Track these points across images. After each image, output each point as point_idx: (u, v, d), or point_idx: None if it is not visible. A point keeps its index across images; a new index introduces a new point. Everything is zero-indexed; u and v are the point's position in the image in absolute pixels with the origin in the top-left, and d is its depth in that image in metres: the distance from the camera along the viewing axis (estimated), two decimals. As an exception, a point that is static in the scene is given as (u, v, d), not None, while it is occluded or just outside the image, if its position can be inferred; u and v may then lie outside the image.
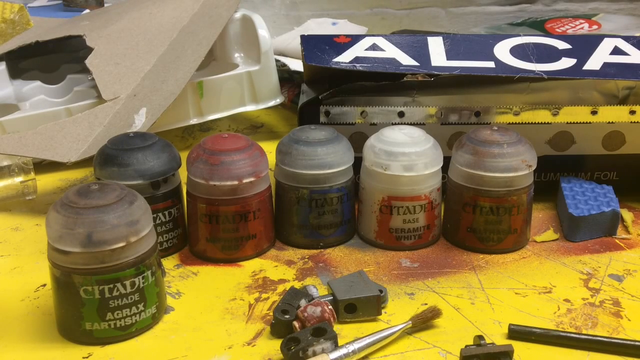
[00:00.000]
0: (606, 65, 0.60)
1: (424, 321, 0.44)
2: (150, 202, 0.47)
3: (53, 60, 0.81)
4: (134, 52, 0.71)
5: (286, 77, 0.86)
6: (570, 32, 1.02)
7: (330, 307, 0.44)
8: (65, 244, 0.41)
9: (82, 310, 0.43)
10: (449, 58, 0.61)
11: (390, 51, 0.62)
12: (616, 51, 0.62)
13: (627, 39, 0.65)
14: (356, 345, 0.41)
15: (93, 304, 0.43)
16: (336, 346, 0.41)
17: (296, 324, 0.43)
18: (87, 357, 0.43)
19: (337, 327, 0.44)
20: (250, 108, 0.77)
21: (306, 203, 0.54)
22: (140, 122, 0.64)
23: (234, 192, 0.51)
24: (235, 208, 0.52)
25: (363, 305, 0.45)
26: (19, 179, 0.63)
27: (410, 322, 0.44)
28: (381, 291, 0.47)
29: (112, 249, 0.42)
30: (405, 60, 0.61)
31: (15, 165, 0.63)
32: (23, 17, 0.85)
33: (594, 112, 0.59)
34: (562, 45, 0.64)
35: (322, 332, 0.42)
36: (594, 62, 0.61)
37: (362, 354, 0.42)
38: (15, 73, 0.76)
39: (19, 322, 0.46)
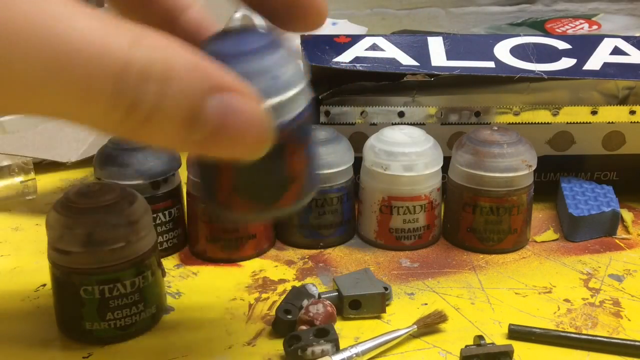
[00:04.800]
0: (606, 65, 0.60)
1: (429, 326, 0.44)
2: (150, 202, 0.46)
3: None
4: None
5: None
6: (570, 32, 1.02)
7: (329, 302, 0.45)
8: (66, 244, 0.41)
9: (82, 310, 0.43)
10: (449, 58, 0.61)
11: (390, 51, 0.62)
12: (616, 51, 0.62)
13: (627, 39, 0.65)
14: (359, 349, 0.41)
15: (93, 304, 0.43)
16: (337, 349, 0.41)
17: (303, 327, 0.43)
18: (87, 357, 0.43)
19: (338, 325, 0.44)
20: (250, 108, 0.77)
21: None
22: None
23: (234, 192, 0.51)
24: (235, 208, 0.52)
25: (367, 302, 0.46)
26: (19, 179, 0.63)
27: (415, 326, 0.44)
28: (386, 289, 0.47)
29: (112, 249, 0.42)
30: (405, 60, 0.61)
31: (15, 165, 0.63)
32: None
33: (594, 112, 0.59)
34: (562, 45, 0.64)
35: (324, 333, 0.42)
36: (594, 62, 0.61)
37: (365, 358, 0.42)
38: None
39: (19, 322, 0.46)
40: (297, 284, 0.50)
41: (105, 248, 0.42)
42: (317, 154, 0.53)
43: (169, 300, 0.48)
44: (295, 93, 0.32)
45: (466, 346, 0.42)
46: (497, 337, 0.44)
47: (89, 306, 0.43)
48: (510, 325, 0.44)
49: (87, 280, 0.42)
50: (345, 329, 0.45)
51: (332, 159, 0.53)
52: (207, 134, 0.25)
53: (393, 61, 0.61)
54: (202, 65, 0.25)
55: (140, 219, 0.43)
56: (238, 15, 0.78)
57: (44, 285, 0.50)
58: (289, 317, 0.44)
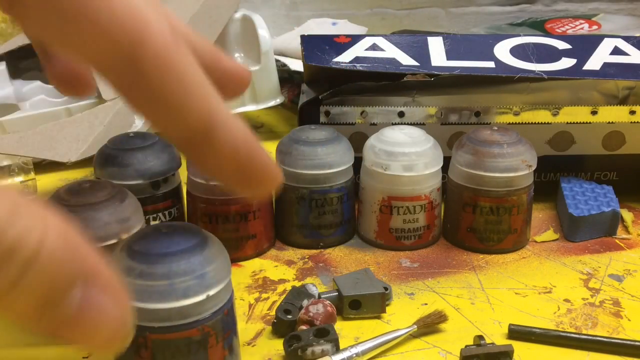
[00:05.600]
0: (606, 65, 0.60)
1: (429, 326, 0.44)
2: (150, 202, 0.46)
3: (53, 60, 0.81)
4: (134, 52, 0.70)
5: (286, 77, 0.86)
6: (570, 32, 1.02)
7: (329, 302, 0.45)
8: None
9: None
10: (449, 58, 0.61)
11: (390, 51, 0.62)
12: (616, 51, 0.63)
13: (627, 39, 0.65)
14: (359, 349, 0.41)
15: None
16: (337, 349, 0.41)
17: (303, 327, 0.43)
18: (87, 357, 0.43)
19: (338, 325, 0.44)
20: (250, 108, 0.77)
21: (306, 203, 0.54)
22: (140, 122, 0.64)
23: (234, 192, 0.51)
24: (235, 208, 0.52)
25: (368, 302, 0.46)
26: (19, 179, 0.63)
27: (415, 326, 0.44)
28: (386, 289, 0.47)
29: (103, 246, 0.42)
30: (405, 60, 0.61)
31: (15, 165, 0.63)
32: (23, 17, 0.85)
33: (594, 112, 0.59)
34: (562, 45, 0.64)
35: (324, 333, 0.42)
36: (594, 62, 0.61)
37: (365, 358, 0.41)
38: (15, 73, 0.76)
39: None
40: (297, 284, 0.50)
41: (96, 245, 0.41)
42: (318, 154, 0.53)
43: (169, 300, 0.48)
44: (217, 291, 0.35)
45: (466, 346, 0.42)
46: (497, 337, 0.44)
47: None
48: (510, 325, 0.44)
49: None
50: (345, 329, 0.45)
51: (332, 159, 0.53)
52: (60, 321, 0.23)
53: (393, 61, 0.61)
54: (77, 250, 0.23)
55: (131, 216, 0.43)
56: (238, 15, 0.78)
57: (44, 285, 0.50)
58: (289, 317, 0.44)
